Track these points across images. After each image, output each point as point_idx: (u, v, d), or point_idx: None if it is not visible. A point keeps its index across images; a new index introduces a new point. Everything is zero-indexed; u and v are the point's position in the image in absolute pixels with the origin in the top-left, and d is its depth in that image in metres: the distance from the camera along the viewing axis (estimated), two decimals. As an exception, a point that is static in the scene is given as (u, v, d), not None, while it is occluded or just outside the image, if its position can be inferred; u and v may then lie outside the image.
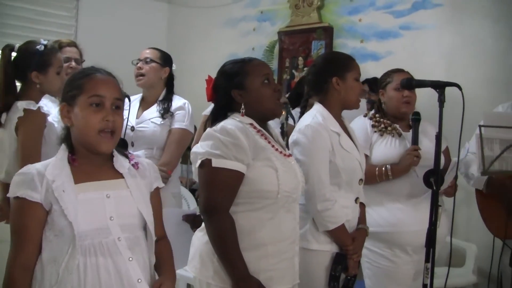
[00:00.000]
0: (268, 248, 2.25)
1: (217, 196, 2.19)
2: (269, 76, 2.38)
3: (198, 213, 2.53)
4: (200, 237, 2.31)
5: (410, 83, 2.83)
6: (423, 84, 2.82)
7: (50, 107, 3.14)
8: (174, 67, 3.78)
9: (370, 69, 4.86)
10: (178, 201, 3.76)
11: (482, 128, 2.66)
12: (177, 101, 3.68)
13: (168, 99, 3.67)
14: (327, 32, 5.65)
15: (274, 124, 4.22)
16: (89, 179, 1.97)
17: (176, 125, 3.60)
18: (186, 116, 3.64)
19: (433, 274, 2.55)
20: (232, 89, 2.32)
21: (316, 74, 2.86)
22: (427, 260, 2.56)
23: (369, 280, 3.19)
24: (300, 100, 3.09)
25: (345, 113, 2.94)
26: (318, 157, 2.65)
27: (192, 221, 2.52)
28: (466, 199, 4.33)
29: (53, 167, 1.94)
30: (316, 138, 2.66)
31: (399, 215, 3.10)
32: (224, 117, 2.33)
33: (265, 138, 2.32)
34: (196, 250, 2.31)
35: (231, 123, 2.25)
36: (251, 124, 2.31)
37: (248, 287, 2.17)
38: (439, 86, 2.60)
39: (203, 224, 2.30)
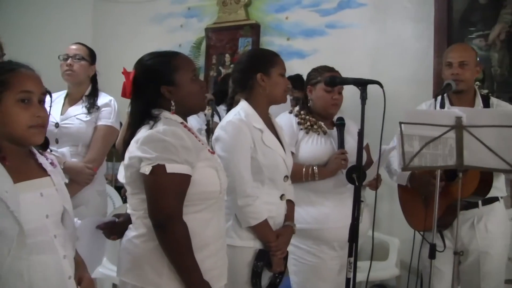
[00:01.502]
0: (211, 248, 2.21)
1: (172, 203, 2.07)
2: (196, 72, 2.34)
3: (117, 220, 2.44)
4: (140, 244, 2.16)
5: (334, 81, 2.87)
6: (345, 81, 2.87)
7: None
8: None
9: (295, 67, 4.89)
10: (103, 199, 3.71)
11: (403, 125, 2.72)
12: (103, 98, 3.64)
13: (94, 95, 3.61)
14: (254, 29, 5.68)
15: (200, 121, 4.24)
16: (24, 178, 1.92)
17: (102, 122, 3.55)
18: (112, 113, 3.60)
19: (356, 268, 2.59)
20: (161, 85, 2.21)
21: (241, 71, 2.86)
22: (350, 255, 2.61)
23: (294, 276, 3.21)
24: (225, 97, 3.08)
25: (272, 109, 2.96)
26: (239, 153, 2.65)
27: (110, 228, 2.43)
28: (389, 194, 4.44)
29: None
30: (237, 135, 2.65)
31: (326, 212, 3.13)
32: (150, 115, 2.21)
33: (196, 137, 2.26)
34: (138, 258, 2.15)
35: (170, 123, 2.16)
36: (182, 123, 2.24)
37: None
38: (361, 84, 2.64)
39: (138, 231, 2.17)
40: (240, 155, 2.65)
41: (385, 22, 5.00)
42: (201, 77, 5.96)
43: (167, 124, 2.13)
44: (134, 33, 6.60)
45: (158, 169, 2.05)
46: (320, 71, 3.31)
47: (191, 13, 6.27)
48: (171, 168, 2.05)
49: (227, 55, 5.83)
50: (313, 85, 3.29)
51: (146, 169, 2.06)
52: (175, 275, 2.10)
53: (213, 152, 2.38)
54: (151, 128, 2.13)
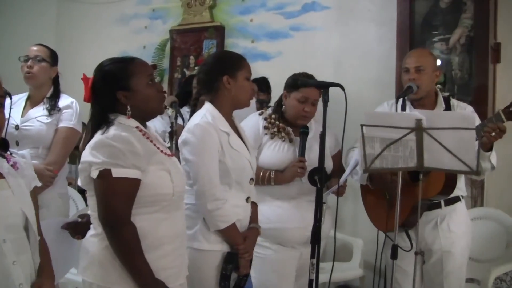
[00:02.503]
0: (165, 247, 2.24)
1: (118, 206, 2.11)
2: (152, 76, 2.35)
3: (80, 220, 2.44)
4: (95, 242, 2.20)
5: (296, 83, 2.88)
6: (307, 84, 2.90)
7: None
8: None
9: (260, 69, 4.91)
10: (65, 202, 3.66)
11: (364, 127, 2.75)
12: (64, 100, 3.61)
13: (55, 97, 3.58)
14: (219, 32, 5.67)
15: (164, 123, 4.22)
16: None
17: (63, 123, 3.52)
18: (73, 115, 3.58)
19: (318, 269, 2.61)
20: (117, 90, 2.23)
21: (207, 73, 2.84)
22: (312, 256, 2.62)
23: (253, 271, 3.21)
24: (189, 98, 3.07)
25: (236, 112, 2.96)
26: (207, 156, 2.64)
27: (74, 228, 2.43)
28: (353, 195, 4.47)
29: None
30: (205, 138, 2.65)
31: (281, 213, 3.15)
32: (106, 119, 2.24)
33: (151, 141, 2.28)
34: (93, 256, 2.19)
35: (122, 128, 2.19)
36: (137, 127, 2.26)
37: None
38: (323, 86, 2.67)
39: (95, 230, 2.22)
40: (208, 158, 2.65)
41: (349, 25, 5.05)
42: (165, 79, 5.95)
43: (118, 129, 2.18)
44: (99, 34, 6.55)
45: (105, 174, 2.10)
46: (301, 80, 3.23)
47: (155, 15, 6.24)
48: (117, 172, 2.10)
49: (191, 57, 5.81)
50: (289, 92, 3.25)
51: (94, 174, 2.11)
52: (127, 273, 2.14)
53: (171, 155, 2.38)
54: (103, 133, 2.17)
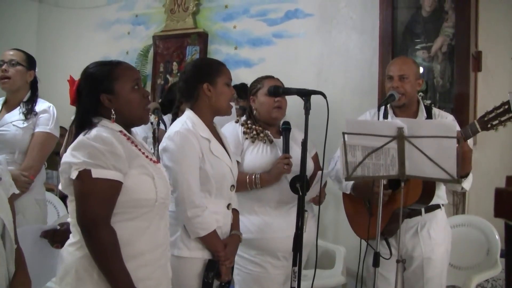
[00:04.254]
0: (145, 257, 2.19)
1: (97, 208, 2.06)
2: (138, 81, 2.32)
3: (58, 227, 2.40)
4: (72, 252, 2.15)
5: (277, 91, 2.89)
6: (289, 91, 2.89)
7: None
8: (37, 69, 3.65)
9: (242, 76, 4.92)
10: (42, 208, 3.60)
11: (346, 135, 2.75)
12: (41, 105, 3.57)
13: (32, 101, 3.54)
14: (202, 38, 5.66)
15: (145, 130, 4.19)
16: None
17: (40, 128, 3.49)
18: (50, 119, 3.54)
19: (300, 277, 2.60)
20: (100, 93, 2.21)
21: (186, 81, 2.85)
22: (294, 264, 2.62)
23: (238, 286, 3.21)
24: (172, 106, 3.06)
25: (217, 119, 2.95)
26: (187, 163, 2.64)
27: (52, 237, 2.39)
28: (335, 203, 4.50)
29: None
30: (185, 145, 2.64)
31: (270, 222, 3.15)
32: (90, 122, 2.21)
33: (136, 146, 2.26)
34: (70, 266, 2.14)
35: (104, 130, 2.16)
36: (121, 131, 2.24)
37: None
38: (305, 94, 2.67)
39: (72, 238, 2.17)
40: (188, 165, 2.64)
41: (331, 33, 5.06)
42: (148, 85, 5.92)
43: (100, 130, 2.14)
44: (80, 40, 6.52)
45: (84, 174, 2.06)
46: (259, 79, 3.35)
47: (138, 20, 6.22)
48: (97, 173, 2.06)
49: (174, 63, 5.79)
50: (255, 94, 3.32)
51: (73, 174, 2.06)
52: (105, 283, 2.08)
53: (156, 162, 2.36)
54: (84, 134, 2.14)
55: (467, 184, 3.12)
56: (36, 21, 6.96)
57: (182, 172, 2.61)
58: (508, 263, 2.90)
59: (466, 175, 3.00)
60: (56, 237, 2.38)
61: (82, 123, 2.21)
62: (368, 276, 3.34)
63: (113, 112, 2.21)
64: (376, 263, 2.98)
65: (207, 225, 2.64)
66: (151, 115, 4.25)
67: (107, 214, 2.08)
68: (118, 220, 2.11)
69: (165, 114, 4.21)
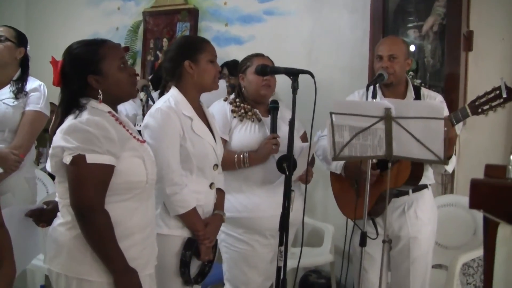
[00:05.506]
0: (136, 237, 2.21)
1: (92, 193, 2.07)
2: (124, 59, 2.30)
3: (45, 207, 2.40)
4: (64, 231, 2.15)
5: (265, 70, 2.87)
6: (277, 71, 2.88)
7: None
8: (28, 47, 3.60)
9: (233, 53, 4.89)
10: (32, 186, 3.60)
11: (333, 115, 2.74)
12: (31, 83, 3.54)
13: (22, 80, 3.50)
14: (192, 14, 5.59)
15: (135, 107, 4.19)
16: None
17: (30, 107, 3.46)
18: (41, 98, 3.51)
19: (286, 256, 2.61)
20: (88, 74, 2.19)
21: (170, 60, 2.84)
22: (281, 244, 2.62)
23: (226, 264, 3.23)
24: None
25: (207, 97, 2.94)
26: (167, 141, 2.64)
27: (38, 216, 2.39)
28: (324, 181, 4.50)
29: None
30: (165, 122, 2.64)
31: (257, 201, 3.15)
32: (77, 104, 2.19)
33: (124, 126, 2.25)
34: (62, 246, 2.14)
35: (95, 113, 2.15)
36: (109, 112, 2.23)
37: (130, 279, 2.12)
38: (293, 74, 2.64)
39: (64, 218, 2.16)
40: (168, 143, 2.64)
41: (322, 11, 5.02)
42: (138, 61, 5.87)
43: (92, 114, 2.13)
44: (70, 16, 6.43)
45: (79, 159, 2.05)
46: (249, 57, 3.34)
47: (128, -4, 6.13)
48: (91, 158, 2.06)
49: (164, 40, 5.72)
50: (244, 72, 3.31)
51: (67, 159, 2.06)
52: (99, 263, 2.10)
53: (143, 141, 2.36)
54: (75, 117, 2.13)
55: (450, 166, 3.13)
56: (24, -1, 6.86)
57: (161, 149, 2.61)
58: (486, 255, 2.92)
59: (448, 158, 3.01)
60: (42, 216, 2.37)
61: (70, 105, 2.20)
62: (355, 255, 3.36)
63: (100, 93, 2.20)
64: (363, 243, 3.01)
65: (186, 203, 2.65)
66: (140, 92, 4.24)
67: (101, 199, 2.10)
68: (110, 202, 2.13)
69: (156, 90, 4.20)
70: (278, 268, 2.61)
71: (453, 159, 3.11)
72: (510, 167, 1.16)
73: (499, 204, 1.04)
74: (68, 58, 2.23)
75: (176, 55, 2.81)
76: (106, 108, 2.21)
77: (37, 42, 5.61)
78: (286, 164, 2.68)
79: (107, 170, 2.10)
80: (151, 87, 4.28)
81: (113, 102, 2.28)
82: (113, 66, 2.22)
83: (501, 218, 1.05)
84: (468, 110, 2.88)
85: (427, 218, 3.29)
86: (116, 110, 2.31)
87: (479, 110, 2.85)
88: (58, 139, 2.11)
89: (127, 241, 2.16)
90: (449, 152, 2.96)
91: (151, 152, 2.39)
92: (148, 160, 2.26)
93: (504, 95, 2.74)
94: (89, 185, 2.06)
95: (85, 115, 2.12)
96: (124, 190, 2.17)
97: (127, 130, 2.25)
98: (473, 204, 1.07)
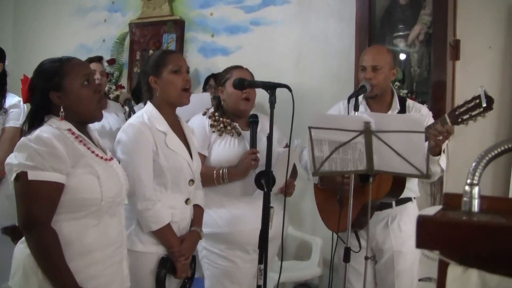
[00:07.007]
0: (96, 255, 2.17)
1: (35, 210, 2.04)
2: (89, 76, 2.27)
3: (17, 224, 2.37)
4: (22, 249, 2.14)
5: (242, 83, 2.81)
6: (254, 84, 2.83)
7: None
8: (6, 63, 3.55)
9: (220, 64, 4.84)
10: (12, 203, 3.51)
11: (312, 130, 2.68)
12: (11, 99, 3.51)
13: (0, 96, 3.46)
14: (178, 25, 5.55)
15: (119, 120, 4.13)
16: None
17: (10, 123, 3.44)
18: (21, 114, 3.50)
19: (266, 274, 2.55)
20: (49, 90, 2.17)
21: (140, 77, 2.86)
22: (260, 262, 2.56)
23: (208, 281, 3.18)
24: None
25: (193, 109, 2.91)
26: (139, 156, 2.61)
27: (12, 233, 2.36)
28: (311, 192, 4.42)
29: None
30: (137, 137, 2.62)
31: (238, 215, 3.10)
32: (41, 121, 2.18)
33: (84, 144, 2.21)
34: (19, 263, 2.14)
35: (47, 130, 2.12)
36: (69, 129, 2.19)
37: None
38: (270, 87, 2.59)
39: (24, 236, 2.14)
40: (139, 158, 2.61)
41: (309, 20, 4.98)
42: (124, 73, 5.80)
43: (45, 131, 2.12)
44: (57, 27, 6.36)
45: (22, 176, 2.05)
46: (228, 70, 3.28)
47: (115, 7, 6.08)
48: (33, 175, 2.04)
49: (151, 51, 5.61)
50: (223, 85, 3.25)
51: (12, 176, 2.07)
52: (49, 282, 2.07)
53: (109, 159, 2.31)
54: (27, 135, 2.13)
55: (444, 163, 3.06)
56: (12, 9, 6.77)
57: (133, 164, 2.59)
58: None
59: (438, 154, 2.95)
60: (17, 234, 2.33)
61: (33, 121, 2.20)
62: (340, 268, 3.31)
63: (62, 110, 2.18)
64: (346, 259, 2.95)
65: (159, 218, 2.62)
66: (122, 106, 4.18)
67: (46, 216, 2.07)
68: (64, 219, 2.11)
69: (138, 102, 4.15)
70: (258, 287, 2.55)
71: (443, 157, 3.03)
72: (465, 199, 1.10)
73: (448, 244, 0.97)
74: (34, 74, 2.24)
75: (143, 72, 2.82)
76: (66, 125, 2.19)
77: (25, 53, 5.56)
78: (264, 180, 2.62)
79: (53, 187, 2.07)
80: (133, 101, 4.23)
81: (78, 121, 2.25)
82: (76, 82, 2.20)
83: (450, 258, 0.98)
84: (448, 120, 2.81)
85: (411, 231, 3.20)
86: (84, 128, 2.28)
87: (459, 119, 2.78)
88: (10, 156, 2.11)
89: (84, 259, 2.14)
90: (435, 153, 2.92)
91: (120, 169, 2.36)
92: (106, 178, 2.21)
93: (484, 104, 2.68)
94: (31, 202, 2.05)
95: (36, 132, 2.11)
96: (77, 207, 2.14)
97: (88, 148, 2.21)
98: (420, 244, 1.00)
